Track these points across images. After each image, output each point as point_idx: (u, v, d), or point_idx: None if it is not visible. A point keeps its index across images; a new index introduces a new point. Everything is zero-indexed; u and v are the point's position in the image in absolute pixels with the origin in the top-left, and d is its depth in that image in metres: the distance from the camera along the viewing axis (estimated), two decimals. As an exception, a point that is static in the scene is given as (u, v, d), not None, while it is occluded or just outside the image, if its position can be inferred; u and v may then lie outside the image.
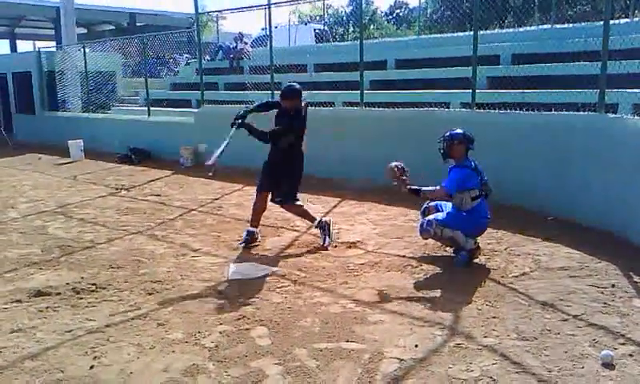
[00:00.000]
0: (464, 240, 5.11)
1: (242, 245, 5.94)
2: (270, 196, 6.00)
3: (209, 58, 16.87)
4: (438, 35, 14.65)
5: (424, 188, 5.25)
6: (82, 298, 4.60)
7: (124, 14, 32.90)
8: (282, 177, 5.89)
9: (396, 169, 5.32)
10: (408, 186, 5.27)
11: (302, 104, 5.78)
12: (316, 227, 5.98)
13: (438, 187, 5.17)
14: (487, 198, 5.22)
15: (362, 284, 4.78)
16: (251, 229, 6.03)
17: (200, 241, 6.23)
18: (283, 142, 5.77)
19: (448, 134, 5.22)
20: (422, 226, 5.24)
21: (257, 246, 5.97)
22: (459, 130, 5.22)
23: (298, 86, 5.81)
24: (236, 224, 6.89)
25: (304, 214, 6.06)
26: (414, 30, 22.63)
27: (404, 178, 5.30)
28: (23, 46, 38.36)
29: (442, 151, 5.23)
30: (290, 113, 5.69)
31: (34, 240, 6.40)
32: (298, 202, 6.02)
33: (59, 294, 4.70)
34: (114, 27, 34.75)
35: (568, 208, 6.37)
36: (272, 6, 10.92)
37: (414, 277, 4.92)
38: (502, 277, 4.83)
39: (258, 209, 6.04)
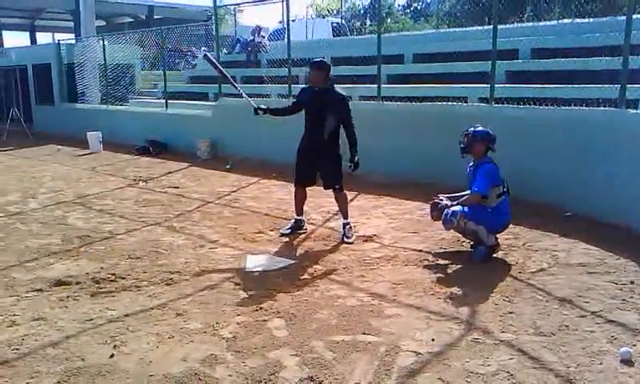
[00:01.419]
0: (486, 236, 5.09)
1: (288, 231, 6.10)
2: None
3: (226, 52, 16.91)
4: (457, 29, 14.52)
5: (461, 200, 5.22)
6: (101, 288, 4.67)
7: (142, 6, 33.06)
8: (319, 163, 5.98)
9: (442, 200, 5.34)
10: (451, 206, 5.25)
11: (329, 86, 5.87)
12: (345, 225, 5.97)
13: (468, 193, 5.15)
14: (509, 195, 5.19)
15: (379, 277, 4.79)
16: (298, 217, 6.21)
17: (217, 233, 6.28)
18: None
19: (472, 129, 5.19)
20: (446, 215, 5.17)
21: (302, 232, 6.15)
22: (483, 128, 5.19)
23: (322, 60, 5.95)
24: (253, 216, 6.93)
25: (346, 208, 6.09)
26: (432, 24, 22.49)
27: (446, 203, 5.28)
28: (43, 38, 38.71)
29: (462, 146, 5.21)
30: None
31: (53, 230, 6.50)
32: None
33: (79, 283, 4.76)
34: (132, 20, 34.97)
35: (587, 204, 6.31)
36: (290, -1, 10.93)
37: (430, 271, 4.91)
38: (520, 272, 4.81)
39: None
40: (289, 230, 6.14)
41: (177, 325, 3.94)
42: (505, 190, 5.13)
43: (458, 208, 5.14)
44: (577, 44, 8.94)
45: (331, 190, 6.01)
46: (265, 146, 10.42)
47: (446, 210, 5.20)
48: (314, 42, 16.88)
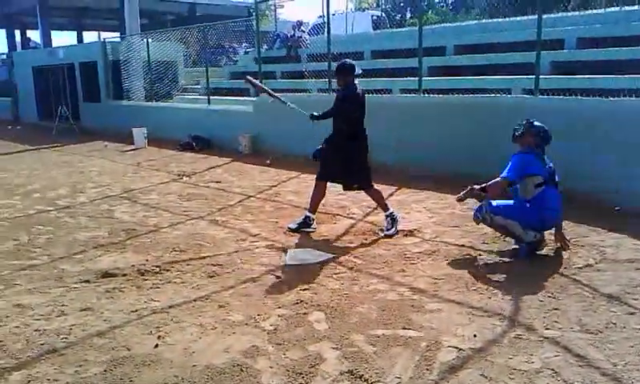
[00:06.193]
0: (521, 231, 4.96)
1: (296, 227, 6.03)
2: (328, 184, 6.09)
3: (267, 47, 17.02)
4: (499, 19, 14.24)
5: (487, 184, 5.09)
6: (146, 280, 4.78)
7: (184, 4, 33.61)
8: (343, 161, 5.88)
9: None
10: (479, 187, 5.16)
11: (357, 87, 5.81)
12: (387, 217, 5.92)
13: (497, 179, 5.05)
14: (557, 187, 5.06)
15: (419, 272, 4.76)
16: (310, 214, 6.10)
17: (259, 226, 6.34)
18: (336, 124, 5.92)
19: (531, 121, 5.09)
20: (474, 209, 5.19)
21: (313, 232, 6.03)
22: (540, 124, 5.07)
23: (347, 62, 5.84)
24: (293, 211, 6.96)
25: (380, 200, 6.01)
26: (471, 16, 22.09)
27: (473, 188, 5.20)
28: (89, 36, 39.78)
29: (516, 133, 5.10)
30: (342, 92, 5.82)
31: (101, 223, 6.68)
32: (375, 188, 6.04)
33: (125, 275, 4.89)
34: (174, 17, 35.55)
35: (637, 198, 6.11)
36: (330, -7, 10.92)
37: (472, 266, 4.85)
38: (565, 268, 4.69)
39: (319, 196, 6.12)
40: (296, 226, 6.03)
41: (219, 316, 4.01)
42: (547, 180, 4.98)
43: (485, 202, 5.08)
44: (626, 33, 8.66)
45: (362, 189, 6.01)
46: (303, 143, 10.43)
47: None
48: (354, 35, 16.82)
